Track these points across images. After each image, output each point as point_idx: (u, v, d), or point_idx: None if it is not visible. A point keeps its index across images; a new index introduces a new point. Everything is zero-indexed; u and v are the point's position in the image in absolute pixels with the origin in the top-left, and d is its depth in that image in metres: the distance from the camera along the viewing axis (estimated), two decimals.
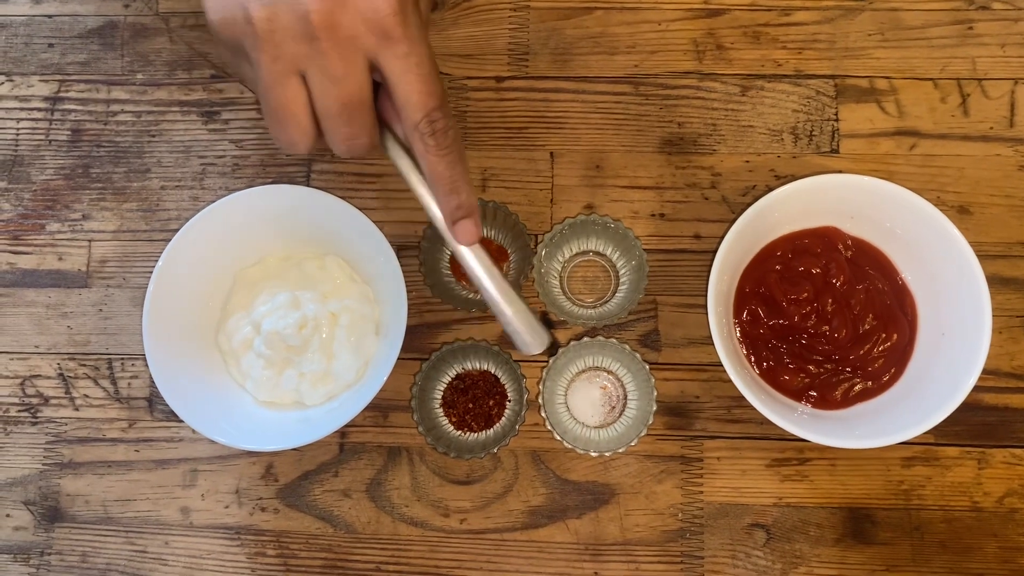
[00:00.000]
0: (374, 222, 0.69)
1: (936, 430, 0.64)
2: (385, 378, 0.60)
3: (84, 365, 0.70)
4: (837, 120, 0.69)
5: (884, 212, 0.62)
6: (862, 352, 0.63)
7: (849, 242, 0.65)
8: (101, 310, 0.70)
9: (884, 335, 0.63)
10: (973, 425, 0.65)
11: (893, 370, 0.63)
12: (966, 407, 0.65)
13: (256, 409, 0.65)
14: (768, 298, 0.64)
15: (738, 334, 0.64)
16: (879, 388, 0.63)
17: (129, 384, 0.69)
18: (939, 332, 0.62)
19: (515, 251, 0.68)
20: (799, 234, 0.65)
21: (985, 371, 0.65)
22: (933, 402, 0.59)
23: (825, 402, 0.63)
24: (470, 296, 0.68)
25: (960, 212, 0.68)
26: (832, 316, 0.63)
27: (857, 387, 0.63)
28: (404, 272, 0.68)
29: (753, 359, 0.64)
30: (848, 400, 0.63)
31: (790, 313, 0.63)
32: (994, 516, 0.64)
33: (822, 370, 0.63)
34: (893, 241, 0.64)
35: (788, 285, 0.63)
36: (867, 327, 0.63)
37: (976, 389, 0.65)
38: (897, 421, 0.59)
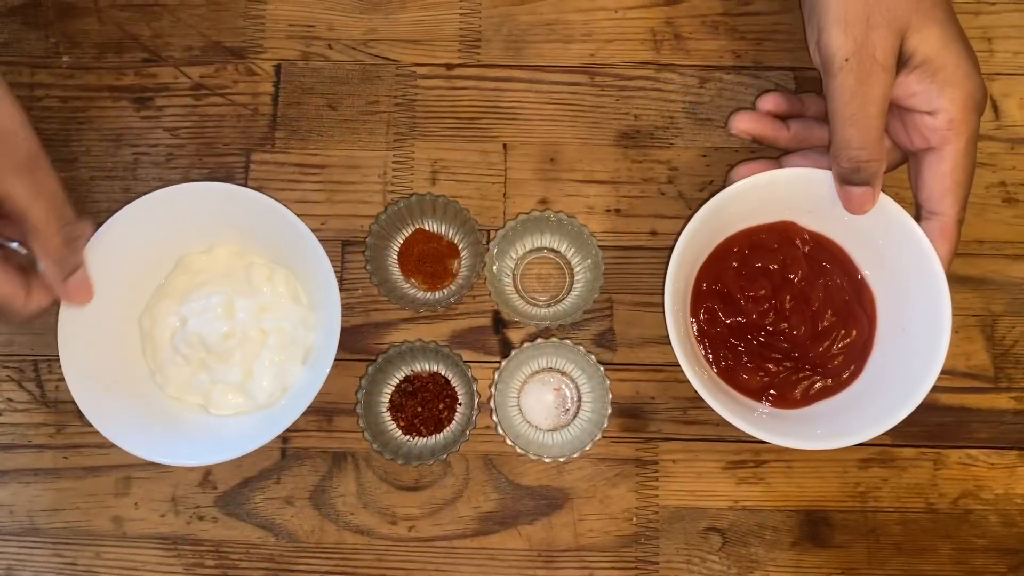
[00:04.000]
0: (317, 216, 0.66)
1: (893, 431, 0.64)
2: (299, 414, 0.58)
3: (7, 367, 0.65)
4: None
5: (841, 206, 0.61)
6: (821, 349, 0.62)
7: (807, 236, 0.63)
8: None
9: (843, 332, 0.62)
10: (929, 426, 0.65)
11: (853, 367, 0.62)
12: (922, 407, 0.64)
13: (178, 418, 0.62)
14: (726, 295, 0.62)
15: (695, 332, 0.62)
16: (839, 386, 0.62)
17: (56, 387, 0.65)
18: (899, 328, 0.61)
19: (466, 247, 0.66)
20: (756, 229, 0.63)
21: (942, 371, 0.64)
22: (894, 399, 0.58)
23: (784, 401, 0.61)
24: (419, 295, 0.65)
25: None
26: (790, 313, 0.62)
27: (817, 385, 0.62)
28: (352, 268, 0.65)
29: (711, 358, 0.62)
30: (808, 399, 0.61)
31: (748, 311, 0.62)
32: (949, 517, 0.64)
33: (781, 368, 0.62)
34: (852, 236, 0.62)
35: (745, 282, 0.62)
36: (826, 324, 0.62)
37: (932, 389, 0.64)
38: (857, 420, 0.58)
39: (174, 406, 0.62)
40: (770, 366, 0.62)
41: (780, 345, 0.62)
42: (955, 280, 0.66)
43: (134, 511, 0.64)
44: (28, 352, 0.66)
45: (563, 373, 0.65)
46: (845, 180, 0.57)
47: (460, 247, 0.66)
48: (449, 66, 0.68)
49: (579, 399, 0.65)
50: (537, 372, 0.65)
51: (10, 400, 0.65)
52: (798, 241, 0.63)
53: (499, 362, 0.64)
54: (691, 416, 0.64)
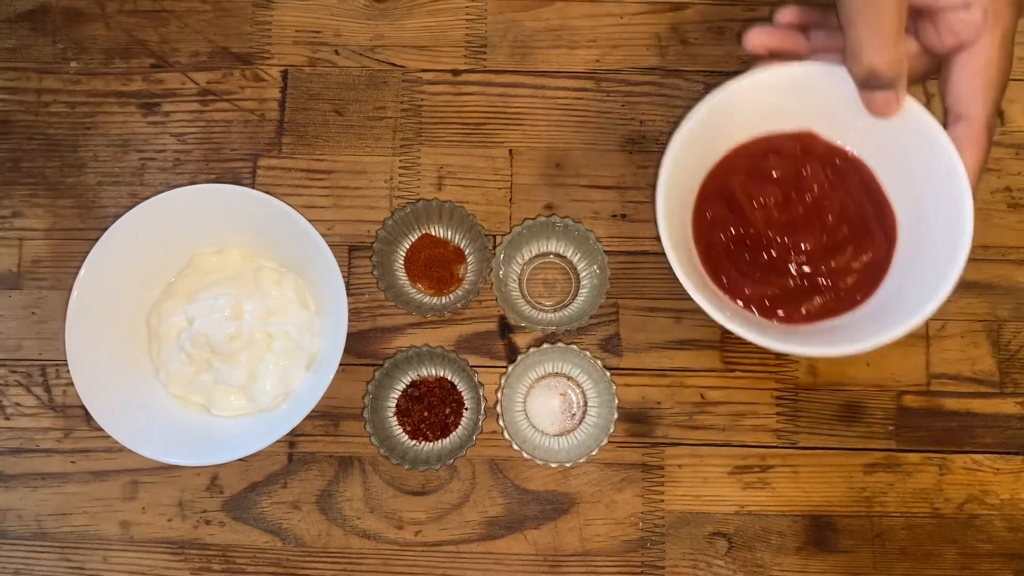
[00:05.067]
0: (324, 220, 0.66)
1: (899, 436, 0.64)
2: (301, 418, 0.58)
3: (15, 372, 0.66)
4: None
5: (864, 112, 0.54)
6: (833, 267, 0.56)
7: (827, 148, 0.57)
8: (34, 313, 0.66)
9: (859, 250, 0.57)
10: (935, 431, 0.65)
11: (865, 288, 0.57)
12: (927, 413, 0.65)
13: (182, 418, 0.63)
14: (732, 202, 0.57)
15: (695, 246, 0.58)
16: (849, 305, 0.56)
17: (64, 392, 0.65)
18: (916, 250, 0.56)
19: (472, 252, 0.66)
20: (771, 137, 0.58)
21: (947, 376, 0.65)
22: (903, 316, 0.53)
23: (790, 319, 0.57)
24: (426, 300, 0.66)
25: None
26: (803, 226, 0.57)
27: (825, 303, 0.56)
28: (359, 273, 0.66)
29: (711, 269, 0.57)
30: (813, 316, 0.57)
31: (755, 219, 0.57)
32: (954, 522, 0.64)
33: (789, 284, 0.57)
34: (875, 149, 0.56)
35: (754, 188, 0.57)
36: (840, 240, 0.57)
37: (938, 394, 0.65)
38: (864, 332, 0.53)
39: (177, 405, 0.63)
40: (776, 280, 0.57)
41: (788, 260, 0.57)
42: (961, 286, 0.65)
43: (141, 515, 0.64)
44: (36, 357, 0.66)
45: (569, 378, 0.65)
46: (864, 86, 0.52)
47: (466, 252, 0.66)
48: (455, 72, 0.69)
49: (585, 404, 0.65)
50: (543, 377, 0.65)
51: (18, 404, 0.65)
52: (817, 151, 0.58)
53: (505, 367, 0.64)
54: (697, 421, 0.65)
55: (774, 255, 0.57)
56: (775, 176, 0.57)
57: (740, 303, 0.57)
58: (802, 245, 0.57)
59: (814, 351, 0.54)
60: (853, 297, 0.56)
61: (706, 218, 0.58)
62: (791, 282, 0.57)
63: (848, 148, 0.57)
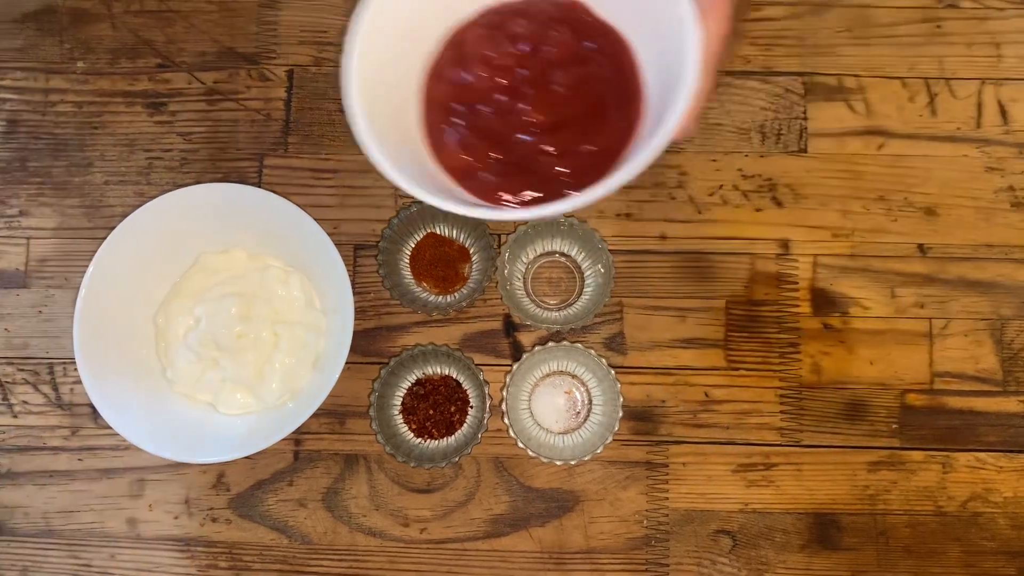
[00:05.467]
0: (329, 220, 0.66)
1: (902, 434, 0.65)
2: (307, 416, 0.58)
3: (23, 370, 0.66)
4: (806, 119, 0.68)
5: None
6: (558, 148, 0.49)
7: (591, 20, 0.51)
8: (41, 312, 0.67)
9: (591, 134, 0.49)
10: (938, 429, 0.65)
11: (590, 177, 0.47)
12: (931, 411, 0.65)
13: (189, 415, 0.63)
14: (464, 56, 0.51)
15: (424, 103, 0.51)
16: (562, 195, 0.47)
17: (72, 390, 0.66)
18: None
19: (477, 252, 0.66)
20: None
21: (950, 375, 0.65)
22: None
23: (498, 192, 0.50)
24: (431, 299, 0.66)
25: (927, 214, 0.67)
26: (533, 92, 0.49)
27: (538, 183, 0.48)
28: (364, 272, 0.66)
29: (429, 128, 0.51)
30: (527, 202, 0.49)
31: (481, 75, 0.50)
32: (957, 520, 0.64)
33: (508, 159, 0.50)
34: (642, 33, 0.49)
35: (490, 44, 0.50)
36: (573, 119, 0.49)
37: (941, 392, 0.65)
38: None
39: (183, 403, 0.63)
40: (492, 152, 0.50)
41: (511, 130, 0.49)
42: (964, 284, 0.66)
43: (148, 513, 0.64)
44: (43, 355, 0.66)
45: (574, 376, 0.65)
46: None
47: (471, 251, 0.66)
48: None
49: (590, 402, 0.65)
50: (548, 375, 0.65)
51: (25, 402, 0.66)
52: (577, 22, 0.51)
53: (510, 365, 0.65)
54: (701, 419, 0.65)
55: (496, 124, 0.49)
56: (518, 35, 0.50)
57: (448, 174, 0.51)
58: (529, 117, 0.49)
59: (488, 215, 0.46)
60: (579, 183, 0.48)
61: (442, 72, 0.52)
62: (511, 159, 0.50)
63: (614, 24, 0.50)
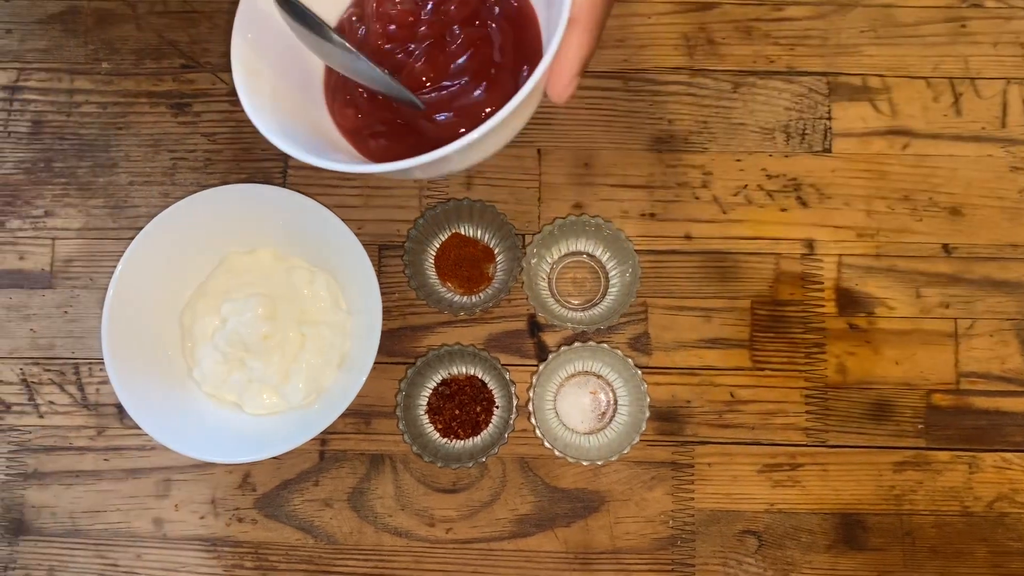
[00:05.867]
0: (354, 220, 0.67)
1: (928, 434, 0.64)
2: (335, 418, 0.58)
3: (49, 370, 0.66)
4: (830, 118, 0.68)
5: None
6: (440, 107, 0.47)
7: None
8: (66, 312, 0.67)
9: (473, 94, 0.47)
10: (964, 429, 0.65)
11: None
12: (957, 411, 0.65)
13: (215, 415, 0.63)
14: (363, 12, 0.51)
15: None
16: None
17: (97, 390, 0.66)
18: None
19: (502, 251, 0.66)
20: None
21: (976, 375, 0.65)
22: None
23: (383, 153, 0.49)
24: (456, 299, 0.66)
25: (952, 214, 0.67)
26: (423, 50, 0.48)
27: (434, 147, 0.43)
28: (389, 272, 0.66)
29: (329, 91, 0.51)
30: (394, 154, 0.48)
31: (373, 27, 0.49)
32: (984, 521, 0.64)
33: (396, 120, 0.49)
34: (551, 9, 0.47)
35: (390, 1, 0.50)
36: (460, 81, 0.47)
37: (967, 393, 0.65)
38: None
39: (210, 403, 0.63)
40: (381, 112, 0.49)
41: (398, 84, 0.47)
42: (989, 284, 0.66)
43: (174, 513, 0.65)
44: (69, 355, 0.66)
45: (599, 376, 0.65)
46: None
47: (496, 251, 0.66)
48: None
49: (615, 403, 0.65)
50: (573, 375, 0.65)
51: (52, 403, 0.66)
52: None
53: (534, 365, 0.65)
54: (727, 420, 0.65)
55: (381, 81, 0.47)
56: None
57: (342, 133, 0.50)
58: (420, 77, 0.48)
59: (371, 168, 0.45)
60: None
61: (343, 30, 0.51)
62: (395, 117, 0.49)
63: None
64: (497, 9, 0.49)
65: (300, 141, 0.47)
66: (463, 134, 0.43)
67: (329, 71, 0.52)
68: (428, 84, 0.48)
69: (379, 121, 0.50)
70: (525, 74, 0.48)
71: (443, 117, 0.47)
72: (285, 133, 0.47)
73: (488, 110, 0.47)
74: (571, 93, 0.44)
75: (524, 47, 0.48)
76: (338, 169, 0.45)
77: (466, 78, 0.48)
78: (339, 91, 0.51)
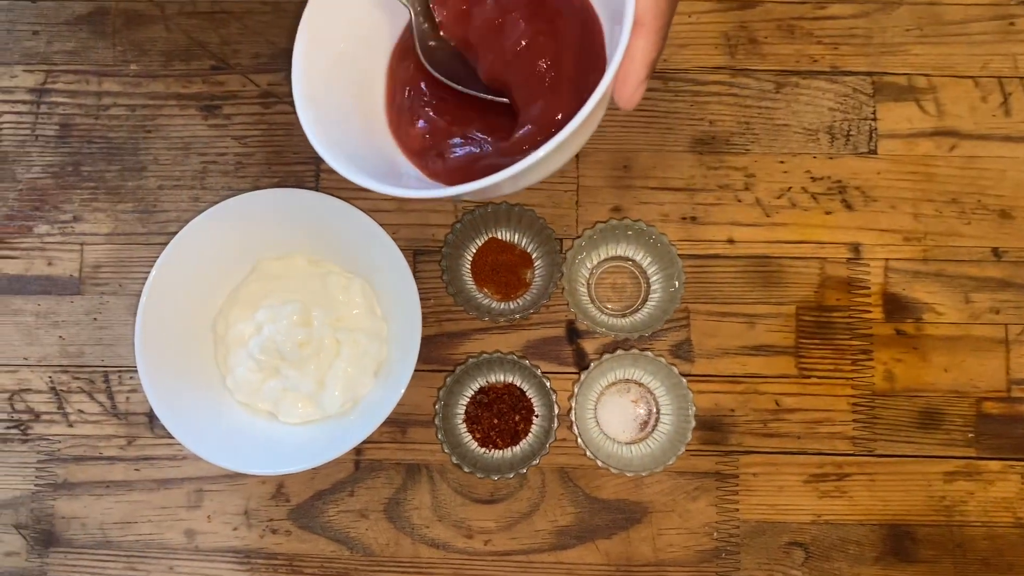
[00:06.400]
0: (389, 225, 0.65)
1: (978, 443, 0.63)
2: (373, 429, 0.57)
3: (78, 378, 0.65)
4: (875, 119, 0.66)
5: None
6: (505, 106, 0.48)
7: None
8: (95, 319, 0.66)
9: (538, 98, 0.46)
10: (1016, 438, 0.63)
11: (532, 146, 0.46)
12: (1008, 420, 0.63)
13: (250, 425, 0.62)
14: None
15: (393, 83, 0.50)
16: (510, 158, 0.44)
17: (127, 398, 0.65)
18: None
19: (541, 256, 0.65)
20: None
21: None
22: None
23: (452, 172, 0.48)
24: (493, 305, 0.64)
25: (1002, 216, 0.65)
26: (486, 43, 0.48)
27: (488, 160, 0.46)
28: (424, 278, 0.65)
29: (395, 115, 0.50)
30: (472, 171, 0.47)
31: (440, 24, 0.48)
32: None
33: (466, 140, 0.49)
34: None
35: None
36: (523, 82, 0.47)
37: (1019, 400, 0.63)
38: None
39: (243, 412, 0.62)
40: (451, 130, 0.49)
41: (469, 115, 0.48)
42: None
43: (207, 524, 0.63)
44: (99, 363, 0.65)
45: (640, 384, 0.64)
46: None
47: (534, 256, 0.65)
48: None
49: (658, 412, 0.63)
50: (613, 384, 0.64)
51: (81, 411, 0.65)
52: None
53: (573, 373, 0.63)
54: (772, 429, 0.63)
55: (454, 106, 0.48)
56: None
57: (405, 154, 0.49)
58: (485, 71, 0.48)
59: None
60: (518, 151, 0.45)
61: (408, 48, 0.50)
62: (464, 136, 0.49)
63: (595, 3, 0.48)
64: (576, 26, 0.48)
65: (377, 172, 0.46)
66: (528, 151, 0.42)
67: (392, 91, 0.51)
68: (489, 72, 0.48)
69: (448, 140, 0.49)
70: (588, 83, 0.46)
71: (523, 131, 0.46)
72: (362, 167, 0.46)
73: (559, 117, 0.45)
74: (639, 99, 0.42)
75: (586, 53, 0.47)
76: (422, 196, 0.45)
77: (530, 83, 0.47)
78: (405, 112, 0.50)
